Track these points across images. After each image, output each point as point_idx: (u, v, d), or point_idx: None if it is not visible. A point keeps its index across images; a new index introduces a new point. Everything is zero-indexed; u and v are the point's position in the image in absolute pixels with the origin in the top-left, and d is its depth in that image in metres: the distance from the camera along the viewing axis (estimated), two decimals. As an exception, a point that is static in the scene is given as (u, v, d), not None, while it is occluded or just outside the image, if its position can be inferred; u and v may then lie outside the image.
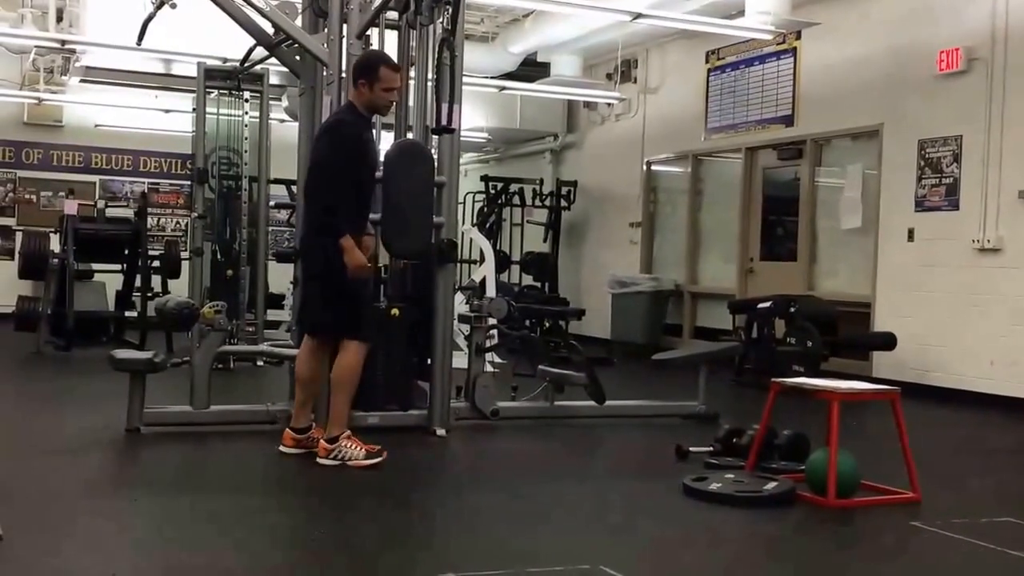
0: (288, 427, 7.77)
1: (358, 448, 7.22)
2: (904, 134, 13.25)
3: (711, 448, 8.07)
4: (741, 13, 13.57)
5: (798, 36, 14.87)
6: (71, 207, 15.14)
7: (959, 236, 12.47)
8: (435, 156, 8.74)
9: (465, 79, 8.76)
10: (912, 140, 13.12)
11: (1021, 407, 11.59)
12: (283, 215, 19.25)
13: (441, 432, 8.68)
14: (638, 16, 13.34)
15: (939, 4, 12.99)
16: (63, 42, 15.63)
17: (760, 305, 13.44)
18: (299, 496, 6.89)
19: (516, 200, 19.65)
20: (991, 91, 12.22)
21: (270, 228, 14.96)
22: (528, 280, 19.54)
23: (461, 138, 9.02)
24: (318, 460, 7.25)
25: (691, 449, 8.11)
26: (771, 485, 6.79)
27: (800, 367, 12.14)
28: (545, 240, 19.44)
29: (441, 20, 8.59)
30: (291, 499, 6.79)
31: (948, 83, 12.72)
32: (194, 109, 13.60)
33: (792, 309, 12.93)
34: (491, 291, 13.08)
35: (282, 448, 7.68)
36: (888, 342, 12.76)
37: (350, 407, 7.51)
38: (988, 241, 12.13)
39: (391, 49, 9.17)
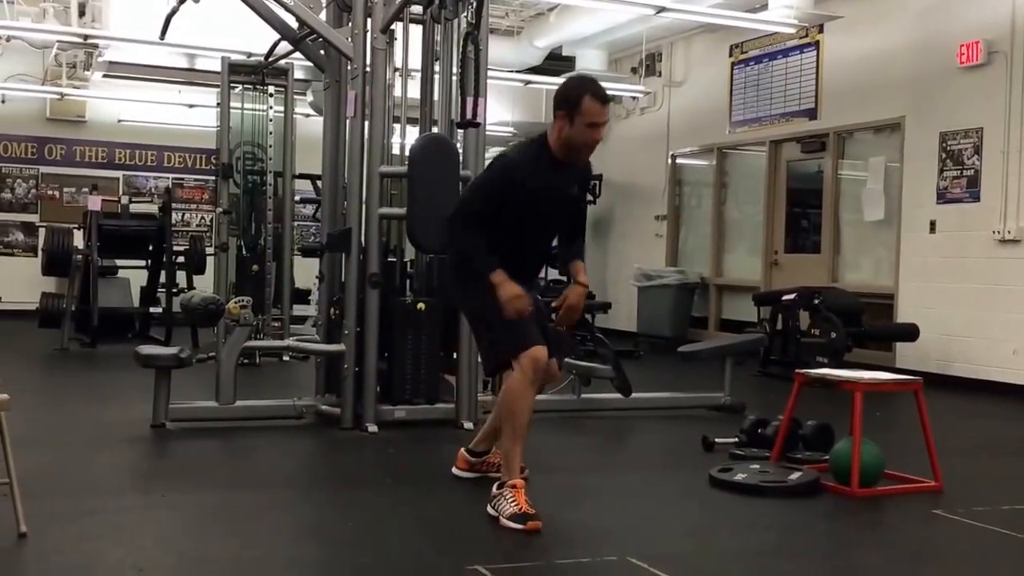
0: (464, 447, 6.98)
1: (513, 503, 5.70)
2: (926, 127, 13.27)
3: (736, 439, 8.10)
4: (764, 7, 13.63)
5: (821, 30, 14.89)
6: (95, 203, 15.15)
7: (980, 227, 12.49)
8: (460, 150, 8.81)
9: (490, 73, 8.79)
10: (934, 133, 13.14)
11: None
12: (308, 210, 19.25)
13: (468, 425, 8.70)
14: (662, 10, 13.35)
15: (959, -3, 13.03)
16: (86, 37, 15.62)
17: (785, 297, 13.48)
18: (326, 490, 6.91)
19: (542, 194, 19.58)
20: (1011, 83, 12.24)
21: (296, 223, 14.99)
22: (554, 274, 19.54)
23: (486, 132, 9.03)
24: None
25: (717, 440, 8.15)
26: (796, 475, 6.83)
27: (824, 358, 12.16)
28: (570, 234, 19.37)
29: (466, 14, 8.62)
30: (318, 493, 6.81)
31: (969, 76, 12.74)
32: (218, 104, 13.60)
33: (816, 301, 12.95)
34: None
35: (455, 470, 6.91)
36: (911, 333, 12.78)
37: (517, 446, 6.01)
38: (1009, 232, 12.15)
39: (415, 44, 9.21)
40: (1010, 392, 11.93)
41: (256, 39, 12.48)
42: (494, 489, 5.87)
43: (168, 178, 21.23)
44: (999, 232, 12.24)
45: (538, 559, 5.17)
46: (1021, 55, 12.18)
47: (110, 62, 17.09)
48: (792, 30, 14.31)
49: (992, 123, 12.41)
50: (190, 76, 18.07)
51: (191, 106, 19.98)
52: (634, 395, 9.91)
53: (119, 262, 15.83)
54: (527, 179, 6.00)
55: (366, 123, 8.73)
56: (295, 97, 14.05)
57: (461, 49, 8.29)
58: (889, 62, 13.91)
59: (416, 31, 9.29)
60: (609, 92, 18.30)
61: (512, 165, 6.10)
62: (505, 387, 6.05)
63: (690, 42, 17.93)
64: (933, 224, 13.10)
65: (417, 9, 9.09)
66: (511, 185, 6.00)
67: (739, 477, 6.83)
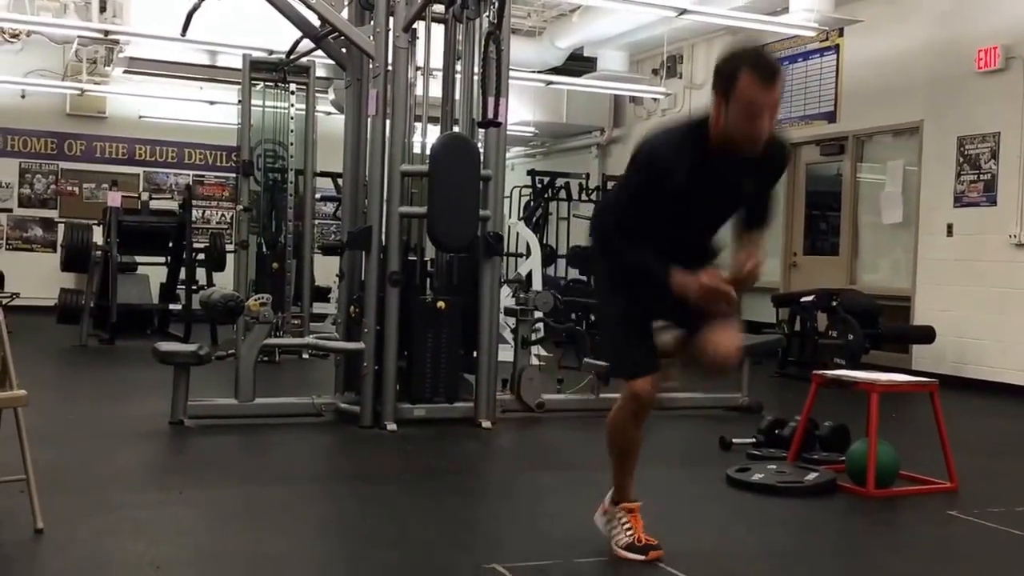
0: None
1: (628, 531, 5.24)
2: (944, 131, 13.29)
3: (754, 439, 8.13)
4: (785, 10, 13.64)
5: (841, 33, 14.91)
6: (115, 199, 15.16)
7: (997, 231, 12.52)
8: (481, 150, 8.83)
9: (512, 73, 8.83)
10: (951, 137, 13.17)
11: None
12: (329, 208, 19.27)
13: (487, 424, 8.75)
14: (683, 12, 13.37)
15: (977, 2, 13.04)
16: (106, 32, 15.62)
17: (803, 299, 13.51)
18: (345, 487, 6.93)
19: (562, 194, 19.64)
20: (1029, 89, 12.29)
21: (316, 221, 15.03)
22: (574, 274, 19.53)
23: (507, 132, 9.06)
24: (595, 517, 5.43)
25: (734, 440, 8.17)
26: (812, 476, 6.85)
27: (841, 360, 12.17)
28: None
29: (487, 14, 8.65)
30: (337, 490, 6.83)
31: (987, 81, 12.75)
32: (239, 101, 13.65)
33: (834, 303, 12.97)
34: (537, 284, 13.14)
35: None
36: (927, 335, 12.81)
37: (625, 472, 5.48)
38: (1025, 236, 12.21)
39: (437, 43, 9.24)
40: (1025, 395, 11.96)
41: (278, 36, 12.51)
42: (606, 503, 5.40)
43: (188, 175, 21.35)
44: (1015, 236, 12.26)
45: (556, 558, 5.18)
46: (1038, 61, 12.24)
47: (131, 58, 17.16)
48: (812, 33, 14.34)
49: (1009, 128, 12.43)
50: (211, 73, 18.13)
51: (212, 103, 19.99)
52: (653, 395, 9.90)
53: (138, 258, 15.83)
54: (676, 174, 4.70)
55: (387, 121, 8.75)
56: (316, 95, 14.07)
57: (483, 49, 8.33)
58: (908, 66, 13.92)
59: (438, 30, 9.30)
60: (630, 94, 18.05)
61: (658, 156, 4.79)
62: (609, 418, 5.49)
63: (711, 44, 17.89)
64: (950, 227, 13.12)
65: (439, 8, 9.11)
66: (658, 180, 4.75)
67: (756, 477, 6.85)
